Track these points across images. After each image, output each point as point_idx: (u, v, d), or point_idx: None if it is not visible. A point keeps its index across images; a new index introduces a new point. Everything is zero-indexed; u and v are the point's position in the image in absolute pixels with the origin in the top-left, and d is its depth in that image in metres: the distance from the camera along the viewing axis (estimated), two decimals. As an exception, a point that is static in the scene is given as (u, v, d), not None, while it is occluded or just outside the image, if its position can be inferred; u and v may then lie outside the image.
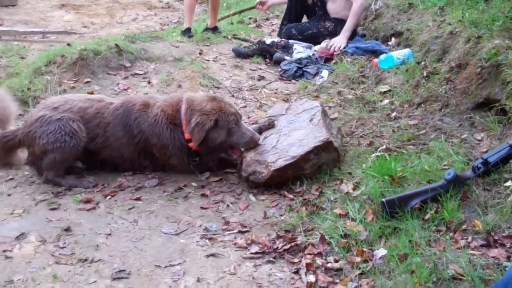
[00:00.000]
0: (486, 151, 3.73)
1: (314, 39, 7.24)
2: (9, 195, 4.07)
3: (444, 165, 3.79)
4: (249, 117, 5.45)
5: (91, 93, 5.52)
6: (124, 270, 3.19)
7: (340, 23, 7.25)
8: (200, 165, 4.40)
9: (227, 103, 4.30)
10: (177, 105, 4.33)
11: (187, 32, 7.64)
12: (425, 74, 5.11)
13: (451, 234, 3.20)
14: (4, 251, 3.34)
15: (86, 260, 3.28)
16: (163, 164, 4.43)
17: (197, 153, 4.33)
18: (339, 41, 6.94)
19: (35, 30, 8.83)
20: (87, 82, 5.86)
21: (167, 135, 4.28)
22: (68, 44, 6.67)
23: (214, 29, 7.99)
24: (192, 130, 4.16)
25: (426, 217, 3.33)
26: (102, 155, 4.38)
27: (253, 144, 4.26)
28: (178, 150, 4.32)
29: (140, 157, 4.39)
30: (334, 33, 7.23)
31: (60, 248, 3.40)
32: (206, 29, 8.03)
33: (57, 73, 5.86)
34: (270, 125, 4.49)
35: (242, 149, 4.33)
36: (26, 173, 4.40)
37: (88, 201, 3.98)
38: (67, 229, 3.59)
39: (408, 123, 4.61)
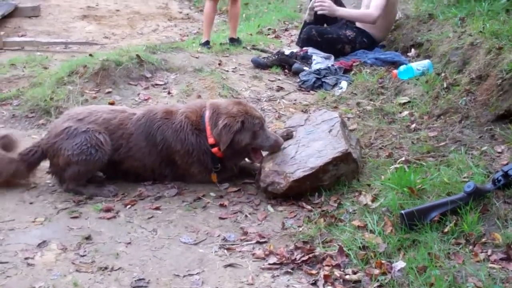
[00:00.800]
0: (507, 164, 3.69)
1: (332, 45, 7.24)
2: (31, 203, 4.13)
3: (464, 178, 3.76)
4: (268, 128, 5.47)
5: (113, 103, 5.59)
6: (143, 279, 3.22)
7: (361, 33, 7.26)
8: (222, 172, 4.43)
9: (252, 107, 4.39)
10: (200, 111, 4.38)
11: (206, 45, 7.68)
12: (445, 86, 5.08)
13: (471, 247, 3.18)
14: (26, 258, 3.39)
15: (106, 268, 3.32)
16: (183, 173, 4.45)
17: (219, 160, 4.37)
18: (329, 3, 7.20)
19: (57, 40, 8.96)
20: (109, 92, 5.93)
21: (192, 141, 4.31)
22: (90, 55, 6.76)
23: (235, 40, 8.03)
24: (220, 132, 4.19)
25: (446, 230, 3.31)
26: (124, 166, 4.42)
27: (277, 148, 4.30)
28: (202, 156, 4.35)
29: (161, 166, 4.42)
30: (353, 42, 7.24)
31: (81, 256, 3.44)
32: (230, 39, 8.06)
33: (79, 83, 5.94)
34: (289, 136, 4.50)
35: (263, 154, 4.39)
36: (48, 181, 4.46)
37: (108, 210, 4.01)
38: (88, 238, 3.63)
39: (428, 135, 4.58)
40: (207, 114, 4.31)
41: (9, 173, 4.29)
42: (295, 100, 6.21)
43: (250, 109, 4.31)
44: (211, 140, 4.29)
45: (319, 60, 7.02)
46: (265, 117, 5.52)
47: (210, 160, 4.38)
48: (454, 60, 5.43)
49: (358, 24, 7.35)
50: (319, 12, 7.26)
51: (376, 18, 7.09)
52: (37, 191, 4.32)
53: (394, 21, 7.67)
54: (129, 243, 3.62)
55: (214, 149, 4.32)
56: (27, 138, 5.17)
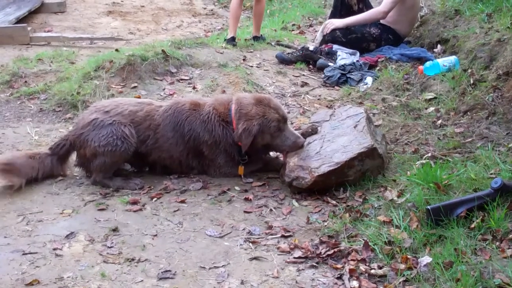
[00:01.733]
0: (534, 160, 3.67)
1: (357, 44, 7.21)
2: (59, 195, 4.20)
3: (491, 174, 3.74)
4: (292, 123, 5.47)
5: (138, 97, 5.62)
6: (169, 271, 3.25)
7: (386, 30, 7.22)
8: (249, 164, 4.48)
9: (273, 107, 4.32)
10: (227, 104, 4.41)
11: (231, 41, 7.60)
12: (471, 82, 5.05)
13: (498, 243, 3.16)
14: (55, 249, 3.46)
15: (133, 259, 3.36)
16: (209, 164, 4.48)
17: (246, 152, 4.39)
18: (334, 21, 7.27)
19: (83, 36, 9.04)
20: (134, 87, 5.98)
21: (219, 132, 4.36)
22: (116, 50, 6.82)
23: (258, 38, 8.03)
24: (240, 136, 4.24)
25: (472, 226, 3.29)
26: (152, 157, 4.47)
27: (296, 148, 4.30)
28: (229, 147, 4.40)
29: (189, 157, 4.46)
30: (379, 40, 7.21)
31: (108, 247, 3.50)
32: (254, 37, 8.04)
33: (106, 78, 6.00)
34: (313, 131, 4.51)
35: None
36: (75, 174, 4.53)
37: (135, 203, 4.06)
38: (115, 229, 3.68)
39: (454, 131, 4.56)
40: (233, 107, 4.35)
41: (46, 169, 4.37)
42: (319, 95, 6.20)
43: (269, 110, 4.28)
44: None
45: (344, 55, 7.00)
46: (290, 113, 5.56)
47: (236, 152, 4.42)
48: (481, 56, 5.38)
49: (382, 21, 7.30)
50: (327, 34, 7.30)
51: (385, 14, 7.11)
52: (64, 184, 4.39)
53: (419, 17, 7.63)
54: (155, 235, 3.66)
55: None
56: (54, 132, 5.25)
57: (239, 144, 4.35)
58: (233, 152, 4.42)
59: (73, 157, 4.53)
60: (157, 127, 4.40)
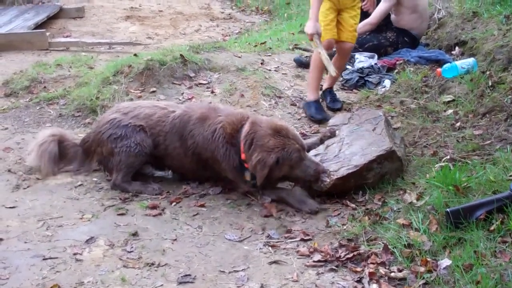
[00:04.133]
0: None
1: (375, 51, 7.18)
2: (79, 200, 4.23)
3: (510, 176, 3.72)
4: (310, 127, 5.48)
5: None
6: (189, 275, 3.27)
7: (402, 32, 7.20)
8: (264, 191, 4.25)
9: (292, 137, 4.06)
10: (239, 123, 4.21)
11: (315, 105, 5.76)
12: (490, 84, 5.02)
13: (518, 245, 3.15)
14: (75, 254, 3.48)
15: (153, 264, 3.38)
16: (224, 176, 4.34)
17: (253, 176, 4.16)
18: None
19: (102, 41, 9.10)
20: (153, 91, 6.01)
21: (221, 153, 4.20)
22: (135, 55, 6.85)
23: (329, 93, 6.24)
24: (255, 167, 4.02)
25: (492, 228, 3.28)
26: (167, 162, 4.50)
27: (318, 176, 4.09)
28: (234, 167, 4.22)
29: (199, 167, 4.39)
30: (395, 43, 7.18)
31: (128, 252, 3.52)
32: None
33: (124, 82, 6.03)
34: (332, 135, 4.51)
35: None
36: (95, 179, 4.55)
37: (154, 207, 4.08)
38: (135, 234, 3.71)
39: (473, 133, 4.54)
40: (245, 129, 4.14)
41: (76, 157, 4.59)
42: (338, 99, 6.18)
43: (289, 141, 4.02)
44: (243, 156, 4.13)
45: (362, 59, 6.99)
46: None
47: (242, 175, 4.23)
48: (499, 58, 5.35)
49: (396, 24, 7.28)
50: None
51: (373, 25, 7.22)
52: (84, 189, 4.42)
53: (437, 18, 7.62)
54: (175, 239, 3.68)
55: (247, 165, 4.14)
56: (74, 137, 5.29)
57: (246, 167, 4.16)
58: (238, 175, 4.24)
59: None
60: (166, 134, 4.38)
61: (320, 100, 5.84)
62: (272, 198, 4.19)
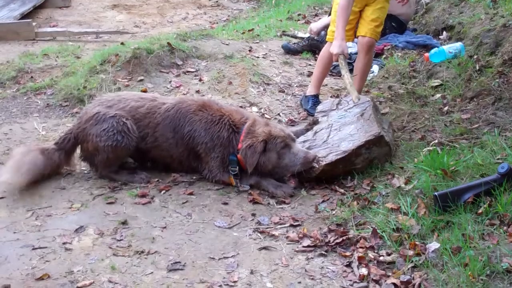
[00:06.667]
0: (541, 144, 3.67)
1: None
2: (67, 189, 4.20)
3: (498, 159, 3.75)
4: (299, 113, 5.49)
5: (145, 90, 5.63)
6: (179, 262, 3.28)
7: (389, 18, 7.13)
8: (242, 179, 4.25)
9: (279, 127, 4.25)
10: (245, 118, 4.31)
11: (313, 99, 5.66)
12: (477, 68, 5.04)
13: (505, 227, 3.17)
14: (64, 243, 3.48)
15: (142, 252, 3.39)
16: (204, 166, 4.33)
17: (241, 168, 4.23)
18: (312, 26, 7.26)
19: (88, 30, 9.03)
20: (141, 80, 5.98)
21: (224, 134, 4.22)
22: (122, 43, 6.82)
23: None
24: (245, 153, 4.10)
25: (479, 211, 3.31)
26: (152, 154, 4.44)
27: (308, 164, 4.11)
28: (226, 155, 4.24)
29: (189, 158, 4.37)
30: (383, 29, 7.13)
31: (118, 240, 3.52)
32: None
33: (112, 71, 6.00)
34: (315, 123, 4.52)
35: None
36: (83, 168, 4.52)
37: (143, 196, 4.07)
38: (124, 222, 3.70)
39: (461, 117, 4.56)
40: (248, 123, 4.24)
41: (54, 166, 4.34)
42: (326, 85, 6.18)
43: (275, 129, 4.16)
44: (240, 146, 4.18)
45: (350, 44, 6.95)
46: (297, 102, 5.55)
47: (232, 163, 4.24)
48: (486, 42, 5.37)
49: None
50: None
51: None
52: (73, 178, 4.39)
53: (424, 3, 7.60)
54: (165, 227, 3.68)
55: (239, 156, 4.19)
56: (62, 127, 5.26)
57: (237, 157, 4.20)
58: (228, 162, 4.25)
59: (78, 150, 4.52)
60: (156, 126, 4.34)
61: (304, 96, 5.72)
62: (249, 184, 4.21)
